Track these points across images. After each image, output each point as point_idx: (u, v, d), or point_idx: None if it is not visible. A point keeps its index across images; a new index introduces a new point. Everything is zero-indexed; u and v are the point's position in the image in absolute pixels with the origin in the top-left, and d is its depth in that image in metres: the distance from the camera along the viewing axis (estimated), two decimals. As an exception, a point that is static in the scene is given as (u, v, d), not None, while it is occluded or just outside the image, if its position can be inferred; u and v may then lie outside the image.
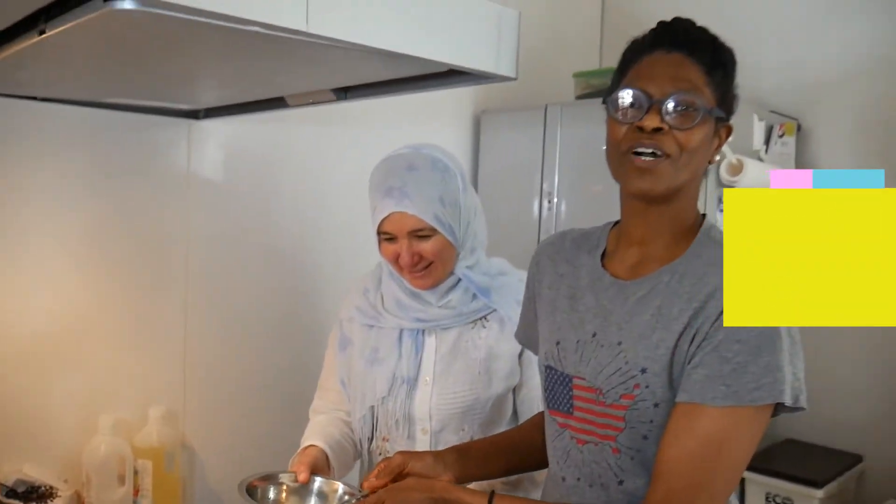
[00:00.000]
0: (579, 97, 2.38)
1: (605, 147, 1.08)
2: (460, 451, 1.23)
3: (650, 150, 0.99)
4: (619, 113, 1.02)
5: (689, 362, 0.98)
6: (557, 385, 1.12)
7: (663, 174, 1.00)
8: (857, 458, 2.34)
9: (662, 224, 1.06)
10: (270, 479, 1.25)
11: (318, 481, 1.27)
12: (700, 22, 2.70)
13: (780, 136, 2.29)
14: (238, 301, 1.96)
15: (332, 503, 1.24)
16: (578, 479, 1.07)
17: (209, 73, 1.29)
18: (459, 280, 1.42)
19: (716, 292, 0.97)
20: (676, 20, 1.07)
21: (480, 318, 1.43)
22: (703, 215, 1.10)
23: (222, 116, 1.79)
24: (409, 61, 1.02)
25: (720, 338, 0.95)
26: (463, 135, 2.49)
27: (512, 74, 1.12)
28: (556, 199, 2.28)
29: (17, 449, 1.60)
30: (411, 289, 1.43)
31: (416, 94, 1.33)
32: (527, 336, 1.29)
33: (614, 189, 2.23)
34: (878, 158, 2.37)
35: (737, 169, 1.97)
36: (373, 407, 1.44)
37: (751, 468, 2.22)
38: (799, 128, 2.43)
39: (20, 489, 1.55)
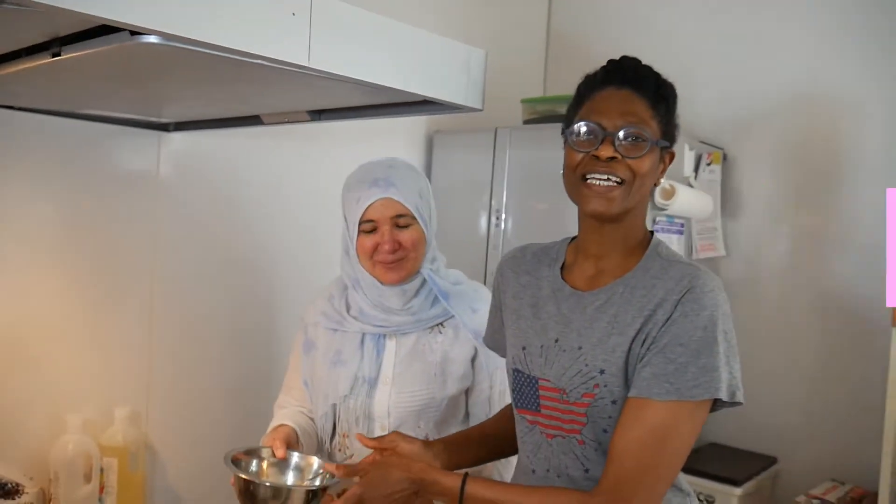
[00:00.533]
0: (526, 122, 2.51)
1: (561, 171, 1.20)
2: (445, 443, 1.33)
3: (605, 176, 1.11)
4: (576, 143, 1.14)
5: (639, 362, 1.09)
6: (525, 386, 1.21)
7: (617, 198, 1.12)
8: (772, 460, 2.54)
9: (616, 240, 1.18)
10: (252, 453, 1.36)
11: (294, 456, 1.38)
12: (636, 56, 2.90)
13: (708, 164, 2.48)
14: (202, 307, 2.02)
15: (307, 476, 1.34)
16: (548, 469, 1.18)
17: (197, 94, 1.38)
18: (423, 284, 1.51)
19: (663, 302, 1.09)
20: (624, 59, 1.19)
21: (437, 325, 1.52)
22: (652, 233, 1.22)
23: (193, 130, 1.87)
24: (390, 91, 1.15)
25: (665, 341, 1.07)
26: (416, 153, 2.60)
27: (479, 106, 1.26)
28: (503, 216, 2.41)
29: (-17, 447, 1.64)
30: (374, 301, 1.52)
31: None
32: (494, 341, 1.39)
33: (557, 207, 2.41)
34: (796, 185, 2.59)
35: (669, 193, 2.14)
36: (335, 405, 1.52)
37: (677, 469, 2.40)
38: (725, 157, 2.62)
39: (-13, 486, 1.60)
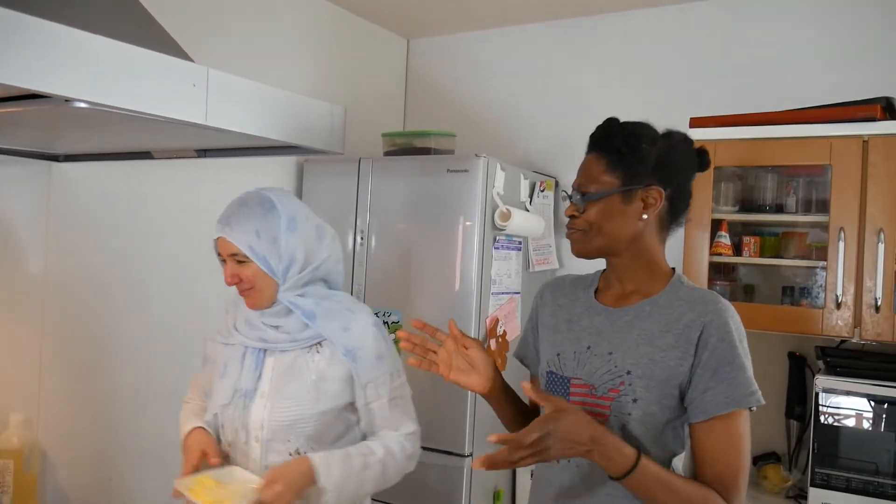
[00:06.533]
0: (386, 153, 2.80)
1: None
2: None
3: (573, 229, 1.39)
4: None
5: (689, 384, 1.29)
6: (556, 386, 1.40)
7: (580, 241, 1.38)
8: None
9: (626, 269, 1.40)
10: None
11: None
12: (480, 101, 3.50)
13: (542, 191, 2.89)
14: (89, 326, 2.19)
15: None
16: (569, 459, 1.35)
17: (101, 137, 1.60)
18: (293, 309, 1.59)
19: (693, 322, 1.30)
20: (605, 121, 1.42)
21: (315, 345, 1.61)
22: (674, 269, 1.43)
23: (83, 161, 2.06)
24: (269, 139, 1.43)
25: (715, 364, 1.28)
26: (288, 179, 2.86)
27: (340, 150, 1.56)
28: (367, 235, 2.70)
29: None
30: (247, 317, 1.63)
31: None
32: (525, 354, 1.59)
33: (412, 228, 2.76)
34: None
35: (506, 216, 2.49)
36: (216, 414, 1.63)
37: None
38: (557, 184, 3.05)
39: None
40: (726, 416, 1.28)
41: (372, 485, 1.59)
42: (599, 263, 1.50)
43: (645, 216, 1.37)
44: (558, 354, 1.43)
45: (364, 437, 1.66)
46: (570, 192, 1.41)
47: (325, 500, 1.50)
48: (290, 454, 1.58)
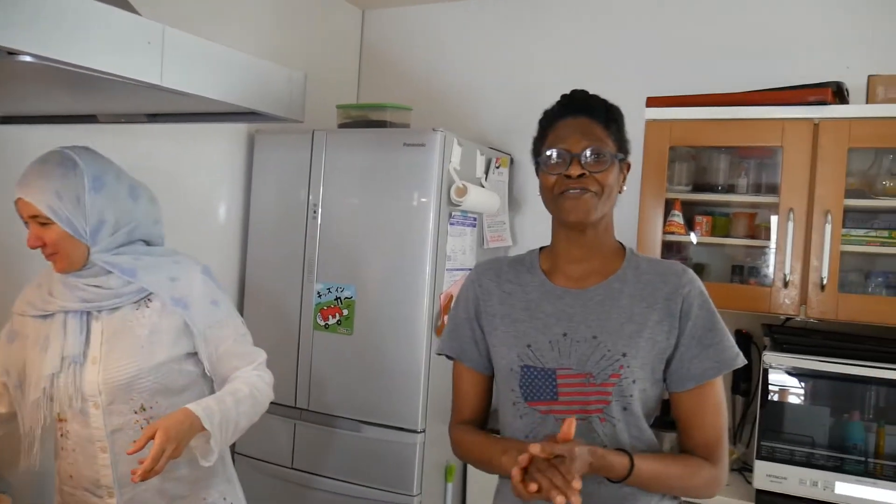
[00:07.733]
0: (341, 125, 2.75)
1: (538, 193, 1.37)
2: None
3: (578, 190, 1.28)
4: (549, 168, 1.31)
5: (674, 354, 1.30)
6: (538, 379, 1.32)
7: (591, 206, 1.29)
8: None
9: (594, 245, 1.36)
10: None
11: None
12: (436, 75, 3.44)
13: (497, 167, 2.88)
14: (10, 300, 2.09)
15: None
16: None
17: (43, 96, 1.51)
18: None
19: (672, 295, 1.31)
20: (575, 92, 1.39)
21: (143, 299, 1.57)
22: (619, 242, 1.41)
23: (22, 124, 1.95)
24: (226, 104, 1.37)
25: (699, 333, 1.31)
26: (237, 151, 2.77)
27: (300, 118, 1.51)
28: (319, 210, 2.65)
29: None
30: (63, 280, 1.55)
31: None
32: (461, 349, 1.47)
33: (365, 202, 2.70)
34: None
35: (462, 192, 2.47)
36: (45, 388, 1.53)
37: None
38: (512, 161, 3.04)
39: None
40: (711, 380, 1.32)
41: (247, 420, 1.56)
42: (536, 241, 1.50)
43: (625, 188, 1.39)
44: (529, 346, 1.35)
45: (215, 390, 1.63)
46: (556, 155, 1.30)
47: (212, 445, 1.45)
48: (136, 411, 1.56)
